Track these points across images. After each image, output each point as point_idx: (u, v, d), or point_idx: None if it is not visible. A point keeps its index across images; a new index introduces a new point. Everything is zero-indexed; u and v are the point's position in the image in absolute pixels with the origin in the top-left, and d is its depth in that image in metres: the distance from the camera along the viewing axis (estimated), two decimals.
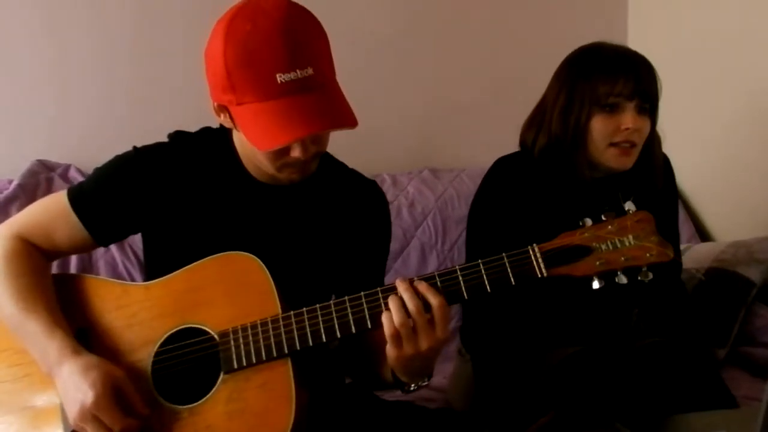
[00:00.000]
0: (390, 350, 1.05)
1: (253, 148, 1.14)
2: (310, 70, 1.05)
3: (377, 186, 1.34)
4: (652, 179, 1.51)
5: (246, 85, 1.05)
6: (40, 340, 1.11)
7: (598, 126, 1.40)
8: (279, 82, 1.03)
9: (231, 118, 1.13)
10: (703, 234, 2.27)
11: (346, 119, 1.07)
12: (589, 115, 1.40)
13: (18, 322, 1.13)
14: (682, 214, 2.20)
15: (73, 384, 1.06)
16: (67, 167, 2.01)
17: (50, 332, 1.10)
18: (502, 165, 1.51)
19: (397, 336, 1.04)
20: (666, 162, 1.59)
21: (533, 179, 1.47)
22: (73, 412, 1.06)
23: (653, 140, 1.48)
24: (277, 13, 1.06)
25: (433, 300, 1.04)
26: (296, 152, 1.10)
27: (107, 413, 1.05)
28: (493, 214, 1.47)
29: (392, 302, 1.04)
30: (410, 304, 1.03)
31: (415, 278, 1.07)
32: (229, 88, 1.06)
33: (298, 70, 1.04)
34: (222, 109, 1.13)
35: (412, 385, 1.14)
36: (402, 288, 1.05)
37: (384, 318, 1.04)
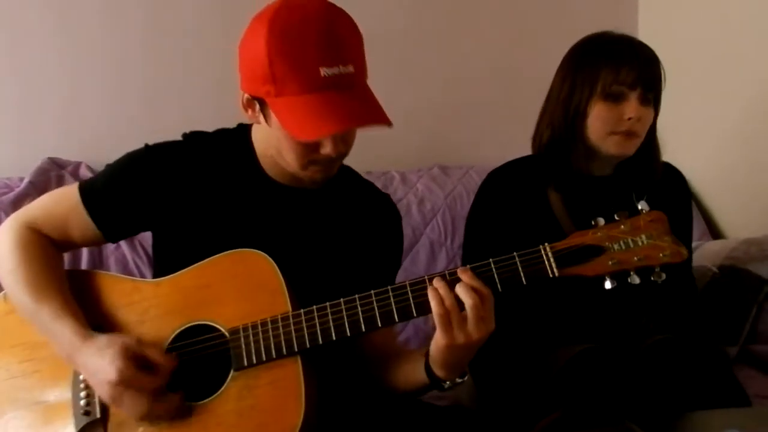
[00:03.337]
0: (440, 338, 1.04)
1: (277, 145, 1.15)
2: (351, 68, 1.07)
3: (391, 200, 1.35)
4: (652, 170, 1.49)
5: (288, 76, 1.06)
6: (53, 329, 1.12)
7: (601, 114, 1.40)
8: (322, 75, 1.05)
9: (263, 111, 1.13)
10: (714, 231, 2.25)
11: (384, 118, 1.08)
12: (588, 101, 1.40)
13: (31, 312, 1.14)
14: (693, 212, 2.18)
15: (94, 368, 1.08)
16: (78, 165, 2.02)
17: (60, 321, 1.12)
18: (494, 179, 1.52)
19: (447, 320, 1.03)
20: (678, 174, 1.58)
21: (527, 189, 1.47)
22: (105, 394, 1.08)
23: (654, 133, 1.47)
24: (322, 9, 1.09)
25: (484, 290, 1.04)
26: (327, 149, 1.10)
27: (135, 380, 1.06)
28: (486, 229, 1.48)
29: (440, 286, 1.04)
30: (466, 298, 1.03)
31: (447, 273, 1.06)
32: (270, 79, 1.07)
33: (341, 66, 1.06)
34: (252, 103, 1.14)
35: (448, 382, 1.11)
36: (438, 284, 1.04)
37: (432, 300, 1.03)
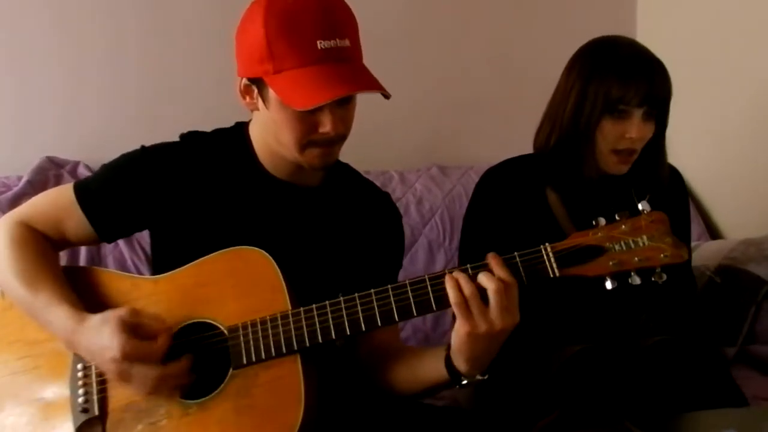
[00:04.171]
0: (460, 326, 1.03)
1: (275, 130, 1.15)
2: (347, 42, 1.10)
3: (391, 199, 1.35)
4: (657, 181, 1.50)
5: (286, 51, 1.08)
6: (49, 316, 1.12)
7: (606, 130, 1.40)
8: (319, 48, 1.08)
9: (261, 95, 1.14)
10: (713, 231, 2.25)
11: (380, 86, 1.10)
12: (599, 117, 1.40)
13: (29, 303, 1.14)
14: (691, 212, 2.19)
15: (95, 348, 1.07)
16: (76, 164, 2.02)
17: (55, 308, 1.11)
18: (490, 178, 1.52)
19: (465, 307, 1.02)
20: (676, 173, 1.58)
21: (525, 188, 1.47)
22: (111, 372, 1.07)
23: (660, 144, 1.47)
24: None
25: (508, 278, 1.03)
26: (326, 126, 1.11)
27: (139, 352, 1.05)
28: (483, 229, 1.48)
29: (459, 276, 1.03)
30: (489, 283, 1.02)
31: (470, 267, 1.05)
32: (268, 57, 1.09)
33: (337, 39, 1.09)
34: (250, 89, 1.15)
35: (467, 379, 1.09)
36: (458, 274, 1.04)
37: (450, 288, 1.03)
